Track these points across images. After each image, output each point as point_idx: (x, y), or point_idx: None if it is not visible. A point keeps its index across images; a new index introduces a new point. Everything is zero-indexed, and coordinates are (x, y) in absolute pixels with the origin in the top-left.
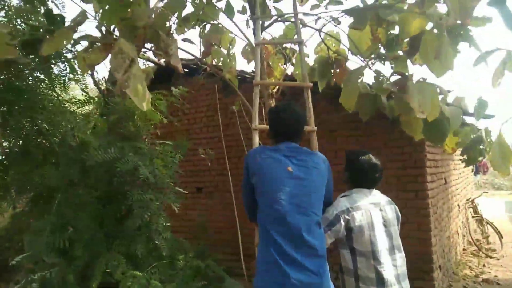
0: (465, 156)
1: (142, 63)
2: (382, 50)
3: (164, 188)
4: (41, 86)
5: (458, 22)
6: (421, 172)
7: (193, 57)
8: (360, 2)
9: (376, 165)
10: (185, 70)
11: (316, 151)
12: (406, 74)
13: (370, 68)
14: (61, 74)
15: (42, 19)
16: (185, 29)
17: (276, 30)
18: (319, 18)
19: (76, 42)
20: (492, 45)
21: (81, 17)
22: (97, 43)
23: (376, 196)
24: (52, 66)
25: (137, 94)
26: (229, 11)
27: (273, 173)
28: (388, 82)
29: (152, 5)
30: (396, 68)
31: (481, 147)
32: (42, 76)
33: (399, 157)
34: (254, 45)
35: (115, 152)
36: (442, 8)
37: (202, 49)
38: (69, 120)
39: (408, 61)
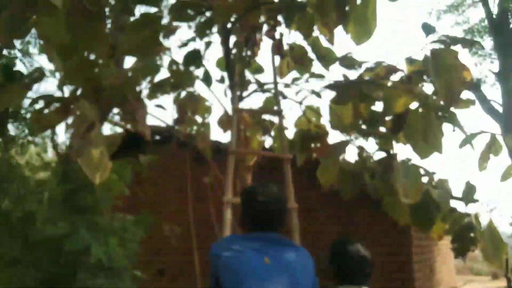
0: (455, 245)
1: (109, 128)
2: (364, 126)
3: (120, 271)
4: None
5: (441, 103)
6: (407, 260)
7: (169, 124)
8: (342, 77)
9: (366, 258)
10: (157, 137)
11: (299, 246)
12: (391, 152)
13: (351, 144)
14: (18, 136)
15: None
16: (158, 95)
17: (255, 101)
18: (300, 91)
19: (34, 101)
20: (476, 127)
21: (38, 74)
22: (55, 103)
23: None
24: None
25: (90, 164)
26: (207, 79)
27: (247, 273)
28: (372, 159)
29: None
30: (380, 145)
31: (471, 235)
32: None
33: (384, 241)
34: (230, 113)
35: (65, 226)
36: (428, 87)
37: (175, 116)
38: (18, 187)
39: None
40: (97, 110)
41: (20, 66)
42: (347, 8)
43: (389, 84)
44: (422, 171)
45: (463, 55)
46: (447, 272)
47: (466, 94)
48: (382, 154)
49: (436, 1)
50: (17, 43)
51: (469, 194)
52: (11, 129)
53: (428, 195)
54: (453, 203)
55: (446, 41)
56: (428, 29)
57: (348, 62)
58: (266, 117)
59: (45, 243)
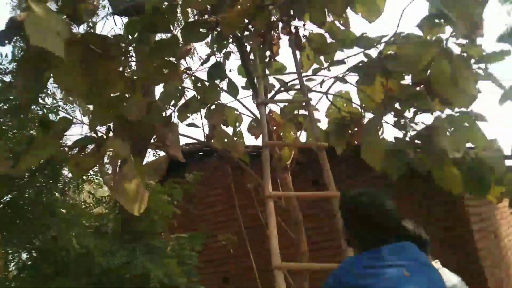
0: None
1: (152, 155)
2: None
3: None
4: (52, 192)
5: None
6: (466, 230)
7: (202, 140)
8: (364, 56)
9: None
10: (200, 153)
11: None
12: (431, 112)
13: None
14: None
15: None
16: (188, 115)
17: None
18: (323, 81)
19: (72, 147)
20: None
21: (64, 124)
22: (88, 146)
23: None
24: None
25: (127, 198)
26: (232, 89)
27: None
28: (413, 124)
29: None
30: (418, 106)
31: None
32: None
33: (439, 215)
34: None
35: (124, 255)
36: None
37: (207, 131)
38: (77, 226)
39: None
40: (128, 145)
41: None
42: None
43: None
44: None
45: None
46: None
47: (499, 46)
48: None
49: None
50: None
51: None
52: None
53: (478, 158)
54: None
55: None
56: None
57: (365, 42)
58: (297, 112)
59: (108, 275)
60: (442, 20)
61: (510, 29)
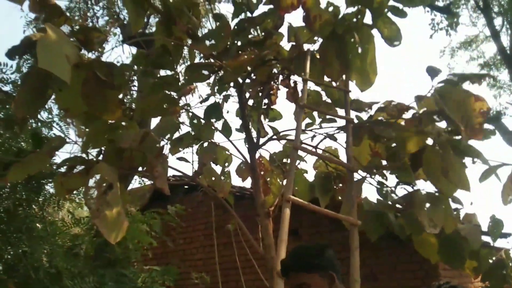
0: (487, 284)
1: (138, 183)
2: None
3: None
4: (31, 207)
5: (457, 138)
6: None
7: (190, 175)
8: (355, 118)
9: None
10: (185, 187)
11: None
12: (412, 184)
13: (369, 182)
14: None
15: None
16: (180, 149)
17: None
18: (314, 136)
19: (60, 165)
20: (498, 158)
21: (58, 142)
22: (77, 167)
23: None
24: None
25: (106, 225)
26: (226, 130)
27: None
28: (394, 195)
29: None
30: (400, 178)
31: (503, 272)
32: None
33: (411, 282)
34: (249, 162)
35: (93, 281)
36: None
37: (196, 167)
38: (51, 244)
39: None
40: (116, 171)
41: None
42: (350, 57)
43: (402, 123)
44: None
45: (480, 89)
46: None
47: (485, 125)
48: (404, 192)
49: (446, 40)
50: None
51: (496, 229)
52: (49, 188)
53: (456, 231)
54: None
55: (453, 80)
56: (433, 72)
57: (357, 105)
58: (286, 160)
59: None
60: (440, 117)
61: (496, 112)
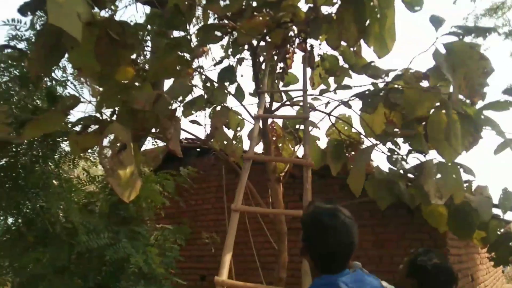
0: (493, 254)
1: (151, 144)
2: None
3: (160, 278)
4: (48, 163)
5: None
6: None
7: (202, 138)
8: (371, 85)
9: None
10: (197, 150)
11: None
12: (424, 154)
13: (381, 149)
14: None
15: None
16: (193, 112)
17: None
18: (328, 102)
19: (75, 124)
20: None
21: (73, 101)
22: (91, 126)
23: None
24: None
25: (120, 184)
26: (239, 94)
27: None
28: (404, 162)
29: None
30: (413, 146)
31: (510, 244)
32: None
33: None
34: (261, 127)
35: (107, 237)
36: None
37: (209, 131)
38: (67, 200)
39: None
40: (129, 131)
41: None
42: (367, 23)
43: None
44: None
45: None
46: (493, 280)
47: (504, 96)
48: (417, 161)
49: (470, 7)
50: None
51: (507, 202)
52: (64, 146)
53: (467, 202)
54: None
55: (458, 32)
56: (437, 21)
57: (373, 71)
58: (298, 127)
59: (90, 253)
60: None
61: None
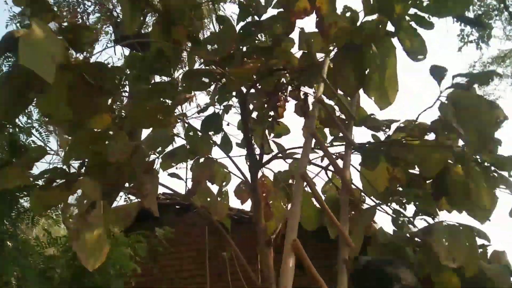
0: None
1: (123, 199)
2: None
3: None
4: (3, 222)
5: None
6: None
7: (182, 194)
8: (371, 138)
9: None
10: (176, 207)
11: None
12: (433, 215)
13: (385, 211)
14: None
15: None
16: (172, 164)
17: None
18: (324, 156)
19: (38, 177)
20: None
21: (38, 153)
22: (57, 180)
23: None
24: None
25: (85, 249)
26: (225, 145)
27: None
28: (411, 226)
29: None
30: (420, 207)
31: None
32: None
33: None
34: (250, 182)
35: None
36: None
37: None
38: (23, 265)
39: None
40: (100, 187)
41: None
42: (367, 72)
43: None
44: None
45: None
46: None
47: None
48: (425, 224)
49: (477, 54)
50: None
51: None
52: (24, 202)
53: (482, 271)
54: None
55: (463, 84)
56: (438, 72)
57: (373, 123)
58: (291, 182)
59: None
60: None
61: None
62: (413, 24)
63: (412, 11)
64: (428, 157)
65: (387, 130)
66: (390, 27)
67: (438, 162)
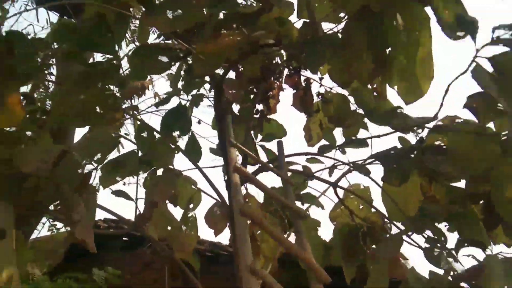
0: None
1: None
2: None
3: None
4: None
5: None
6: None
7: (132, 220)
8: (398, 141)
9: None
10: (124, 239)
11: None
12: (484, 247)
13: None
14: None
15: None
16: (117, 179)
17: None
18: (334, 166)
19: None
20: None
21: None
22: None
23: None
24: None
25: None
26: (194, 151)
27: None
28: (453, 261)
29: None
30: (465, 234)
31: None
32: None
33: None
34: (228, 203)
35: None
36: None
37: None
38: None
39: None
40: (11, 210)
41: None
42: (389, 51)
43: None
44: None
45: None
46: None
47: None
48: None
49: None
50: None
51: None
52: None
53: None
54: None
55: (507, 38)
56: (469, 25)
57: (400, 121)
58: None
59: None
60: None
61: None
62: None
63: None
64: (468, 151)
65: (419, 131)
66: None
67: (481, 157)
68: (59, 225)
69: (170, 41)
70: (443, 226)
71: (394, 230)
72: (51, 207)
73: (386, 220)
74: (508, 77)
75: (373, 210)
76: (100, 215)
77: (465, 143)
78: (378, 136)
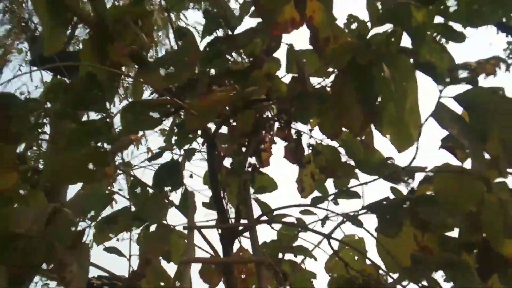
0: None
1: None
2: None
3: None
4: None
5: None
6: None
7: (125, 277)
8: (390, 192)
9: None
10: None
11: None
12: None
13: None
14: None
15: None
16: (110, 235)
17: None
18: (326, 217)
19: None
20: None
21: None
22: None
23: None
24: None
25: None
26: (187, 206)
27: None
28: None
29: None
30: (459, 284)
31: None
32: None
33: None
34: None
35: None
36: None
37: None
38: None
39: None
40: (4, 270)
41: None
42: (379, 101)
43: None
44: None
45: None
46: None
47: None
48: None
49: None
50: None
51: None
52: None
53: None
54: None
55: (465, 77)
56: (429, 66)
57: (392, 172)
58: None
59: None
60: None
61: None
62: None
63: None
64: (452, 191)
65: (410, 181)
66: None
67: (467, 196)
68: (52, 284)
69: (163, 97)
70: (439, 276)
71: (389, 280)
72: (44, 266)
73: (381, 272)
74: (471, 115)
75: (368, 262)
76: (93, 272)
77: (450, 184)
78: (366, 183)
